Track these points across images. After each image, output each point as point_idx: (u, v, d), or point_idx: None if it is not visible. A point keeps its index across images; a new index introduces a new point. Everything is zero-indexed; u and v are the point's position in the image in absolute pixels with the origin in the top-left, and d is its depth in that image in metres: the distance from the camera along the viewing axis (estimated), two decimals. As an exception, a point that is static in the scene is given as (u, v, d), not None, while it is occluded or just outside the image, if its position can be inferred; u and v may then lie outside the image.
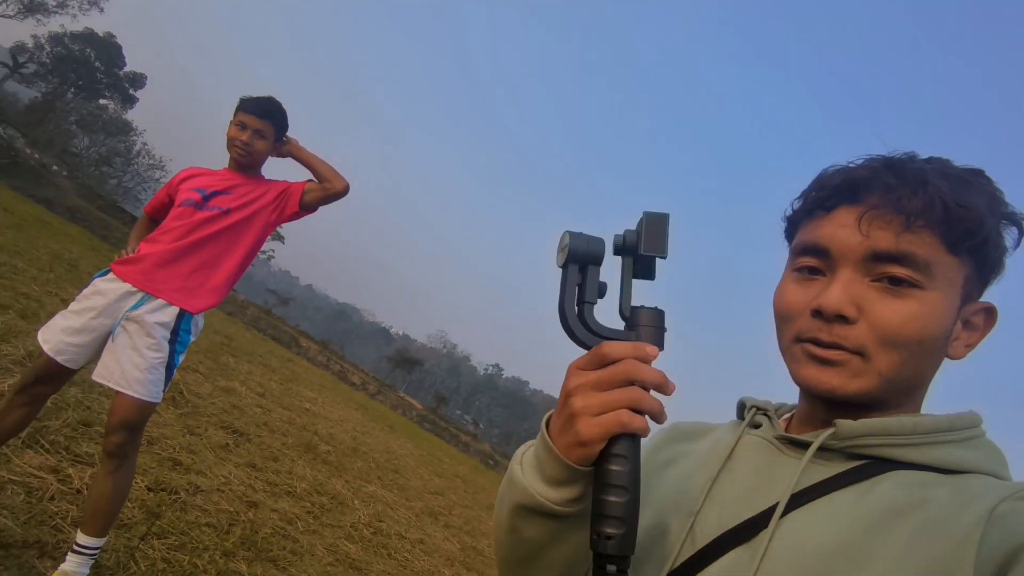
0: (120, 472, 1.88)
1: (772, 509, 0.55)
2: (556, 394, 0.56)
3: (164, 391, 1.93)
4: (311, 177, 2.18)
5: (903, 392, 0.56)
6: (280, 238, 68.98)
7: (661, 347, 0.53)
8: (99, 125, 41.04)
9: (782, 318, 0.60)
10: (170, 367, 1.93)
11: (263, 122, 2.08)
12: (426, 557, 4.41)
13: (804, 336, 0.57)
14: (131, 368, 1.86)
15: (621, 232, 0.56)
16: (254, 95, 2.11)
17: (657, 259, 0.54)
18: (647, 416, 0.50)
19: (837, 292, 0.54)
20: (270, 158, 2.21)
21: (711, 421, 0.78)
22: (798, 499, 0.54)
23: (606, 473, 0.50)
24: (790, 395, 0.68)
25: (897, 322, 0.53)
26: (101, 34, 40.12)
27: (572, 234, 0.55)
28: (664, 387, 0.51)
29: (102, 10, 40.21)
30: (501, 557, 0.64)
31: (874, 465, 0.54)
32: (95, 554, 1.90)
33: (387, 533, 4.45)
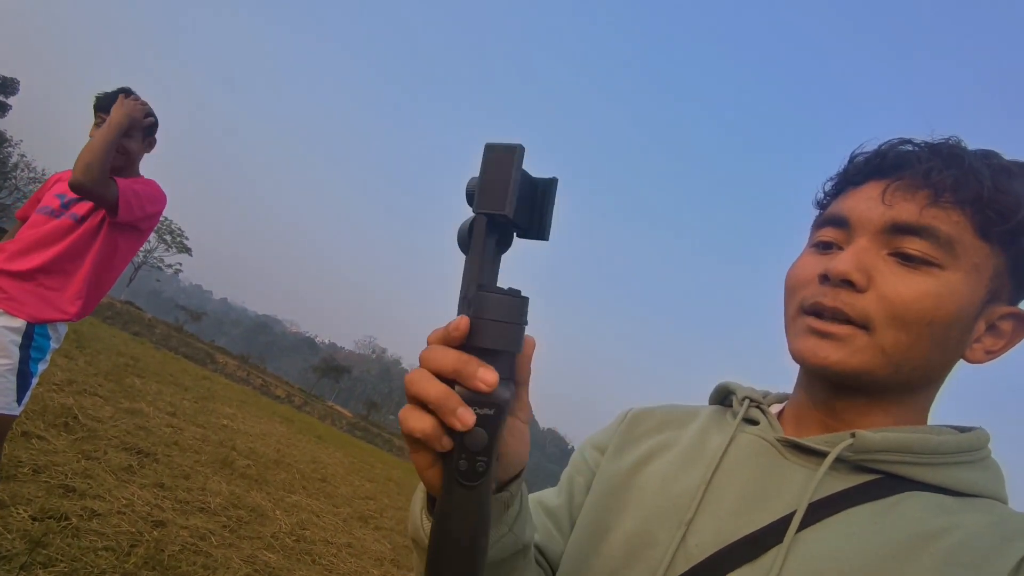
0: None
1: (779, 523, 0.49)
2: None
3: (21, 402, 1.81)
4: None
5: (909, 386, 0.52)
6: (187, 251, 64.96)
7: (517, 349, 0.40)
8: (-34, 137, 37.01)
9: (789, 290, 0.56)
10: (24, 374, 1.80)
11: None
12: (353, 559, 4.34)
13: (807, 304, 0.52)
14: None
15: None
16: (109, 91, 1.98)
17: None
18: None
19: (847, 256, 0.51)
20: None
21: (682, 404, 0.70)
22: (809, 514, 0.49)
23: None
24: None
25: (909, 296, 0.49)
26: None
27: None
28: (462, 376, 0.38)
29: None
30: None
31: (889, 481, 0.50)
32: None
33: (311, 540, 4.35)
